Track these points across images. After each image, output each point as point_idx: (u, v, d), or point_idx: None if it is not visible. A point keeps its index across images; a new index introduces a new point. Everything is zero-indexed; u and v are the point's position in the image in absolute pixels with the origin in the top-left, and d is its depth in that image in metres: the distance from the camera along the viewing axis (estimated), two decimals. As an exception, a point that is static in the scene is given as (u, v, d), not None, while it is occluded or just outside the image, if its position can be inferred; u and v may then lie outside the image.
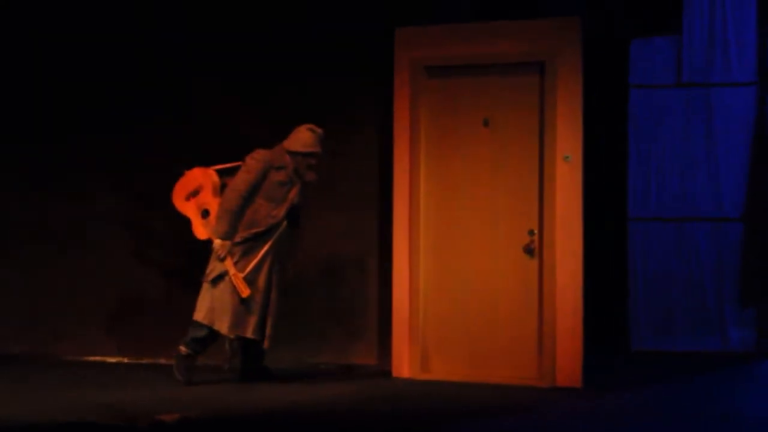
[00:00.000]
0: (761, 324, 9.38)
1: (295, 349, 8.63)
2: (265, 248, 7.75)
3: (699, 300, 9.48)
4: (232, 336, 7.72)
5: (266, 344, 7.78)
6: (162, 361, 8.75)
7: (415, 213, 8.34)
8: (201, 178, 7.99)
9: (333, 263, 8.82)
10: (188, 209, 8.03)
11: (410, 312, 8.30)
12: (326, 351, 8.67)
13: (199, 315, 7.76)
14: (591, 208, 8.20)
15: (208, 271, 7.78)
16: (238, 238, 7.75)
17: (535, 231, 8.09)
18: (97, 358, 9.10)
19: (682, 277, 9.52)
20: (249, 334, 7.73)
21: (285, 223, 7.82)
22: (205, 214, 7.96)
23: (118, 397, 7.22)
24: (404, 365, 8.27)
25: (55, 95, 9.20)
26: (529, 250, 8.08)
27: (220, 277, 7.71)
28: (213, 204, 7.92)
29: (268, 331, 7.75)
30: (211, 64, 8.91)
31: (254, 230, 7.74)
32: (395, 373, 8.27)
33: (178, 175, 8.12)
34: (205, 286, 7.80)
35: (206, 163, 8.09)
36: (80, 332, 9.13)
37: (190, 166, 8.11)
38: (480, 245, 8.20)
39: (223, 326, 7.71)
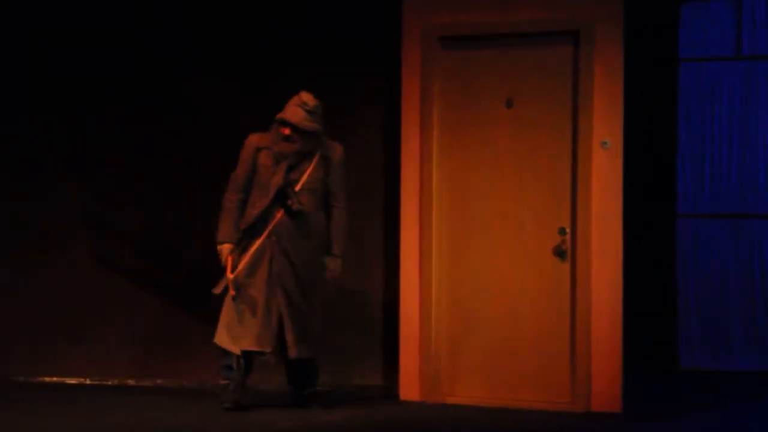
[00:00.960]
0: None
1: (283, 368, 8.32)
2: (256, 244, 7.51)
3: (761, 310, 9.47)
4: (238, 352, 7.54)
5: (291, 353, 7.52)
6: (130, 382, 8.82)
7: (425, 210, 8.29)
8: None
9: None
10: None
11: (421, 325, 8.27)
12: (325, 370, 8.41)
13: (217, 336, 7.65)
14: (633, 202, 8.21)
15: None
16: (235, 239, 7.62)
17: (568, 230, 7.95)
18: (54, 379, 9.01)
19: (740, 284, 9.57)
20: (246, 346, 7.50)
21: (280, 212, 7.54)
22: None
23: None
24: (414, 387, 8.19)
25: (20, 86, 9.22)
26: (560, 252, 7.93)
27: (226, 289, 7.59)
28: None
29: (289, 338, 7.49)
30: (192, 50, 8.89)
31: (250, 225, 7.56)
32: (403, 396, 8.21)
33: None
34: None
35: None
36: (34, 349, 9.05)
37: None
38: (502, 247, 8.09)
39: (224, 341, 7.56)
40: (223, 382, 7.69)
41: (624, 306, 7.81)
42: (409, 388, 8.16)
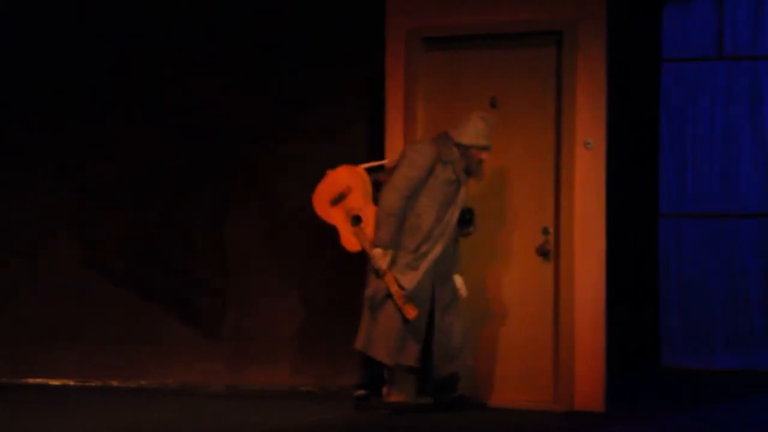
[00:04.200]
0: None
1: (268, 369, 8.55)
2: (430, 260, 7.46)
3: (742, 309, 9.49)
4: (392, 364, 7.48)
5: (434, 372, 7.53)
6: (114, 383, 8.76)
7: (409, 210, 8.26)
8: (349, 178, 7.66)
9: (312, 269, 8.69)
10: (335, 217, 7.69)
11: (404, 325, 8.21)
12: (307, 370, 8.55)
13: (359, 343, 7.53)
14: (616, 202, 8.18)
15: (368, 293, 7.48)
16: (402, 249, 7.45)
17: (551, 230, 7.94)
18: (37, 381, 8.97)
19: (722, 283, 9.58)
20: (411, 362, 7.47)
21: (455, 230, 7.56)
22: (355, 220, 7.61)
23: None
24: (399, 386, 7.95)
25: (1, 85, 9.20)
26: (543, 252, 7.93)
27: (383, 298, 7.42)
28: (365, 209, 7.58)
29: (436, 357, 7.49)
30: (176, 52, 8.88)
31: (419, 238, 7.44)
32: (387, 397, 8.00)
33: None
34: (365, 310, 7.56)
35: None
36: (14, 350, 9.00)
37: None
38: (485, 247, 8.01)
39: (380, 353, 7.44)
40: (358, 393, 7.60)
41: (606, 305, 7.80)
42: (397, 390, 7.94)
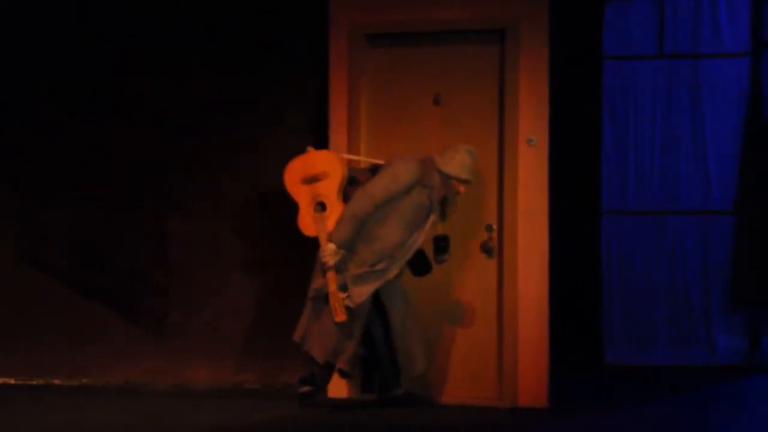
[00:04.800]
0: (753, 333, 9.43)
1: (212, 367, 8.54)
2: (383, 279, 7.45)
3: (683, 305, 9.56)
4: (322, 363, 7.48)
5: (407, 373, 7.64)
6: (56, 382, 8.70)
7: (353, 206, 8.26)
8: (329, 164, 7.55)
9: (256, 267, 8.65)
10: (301, 194, 7.58)
11: (346, 322, 8.25)
12: (251, 368, 8.55)
13: (297, 335, 7.54)
14: (559, 199, 8.19)
15: (314, 285, 7.46)
16: (354, 253, 7.41)
17: (494, 226, 7.96)
18: None
19: (663, 279, 9.61)
20: (342, 364, 7.47)
21: (413, 253, 7.56)
22: (320, 207, 7.51)
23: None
24: (343, 384, 8.03)
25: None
26: (486, 249, 7.95)
27: (325, 295, 7.40)
28: (332, 199, 7.49)
29: (400, 363, 7.58)
30: (127, 48, 8.82)
31: (376, 252, 7.42)
32: (331, 393, 8.06)
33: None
34: (308, 302, 7.53)
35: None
36: None
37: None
38: (428, 243, 7.85)
39: (314, 349, 7.46)
40: (303, 390, 7.62)
41: (550, 302, 7.84)
42: (339, 386, 8.00)
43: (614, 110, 9.61)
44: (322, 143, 8.17)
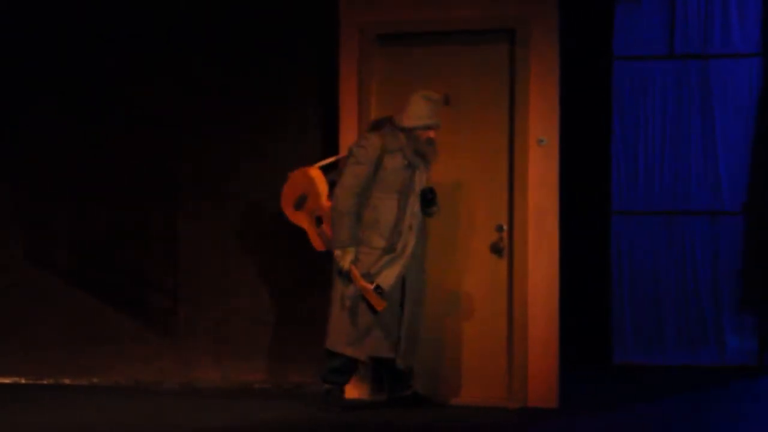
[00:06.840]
0: (763, 333, 9.46)
1: (221, 367, 8.54)
2: (407, 256, 7.41)
3: (692, 306, 9.58)
4: (365, 359, 7.47)
5: (399, 362, 7.50)
6: (66, 381, 8.73)
7: (363, 207, 8.27)
8: (305, 181, 7.60)
9: (264, 266, 8.65)
10: (300, 219, 7.63)
11: (358, 322, 8.22)
12: (260, 367, 8.54)
13: (330, 341, 7.44)
14: (569, 200, 8.18)
15: (335, 294, 7.43)
16: (365, 245, 7.39)
17: (505, 227, 7.93)
18: None
19: (673, 280, 9.63)
20: (385, 353, 7.44)
21: (420, 217, 7.51)
22: (318, 222, 7.56)
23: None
24: (354, 384, 7.96)
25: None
26: (497, 249, 7.91)
27: (352, 298, 7.36)
28: (324, 210, 7.52)
29: (402, 347, 7.47)
30: (130, 49, 8.82)
31: (384, 233, 7.39)
32: (347, 395, 7.92)
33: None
34: (335, 307, 7.48)
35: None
36: None
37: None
38: (439, 243, 7.95)
39: (357, 350, 7.41)
40: (327, 387, 7.54)
41: (560, 302, 7.81)
42: (352, 387, 7.95)
43: (624, 111, 9.63)
44: (328, 143, 8.20)
